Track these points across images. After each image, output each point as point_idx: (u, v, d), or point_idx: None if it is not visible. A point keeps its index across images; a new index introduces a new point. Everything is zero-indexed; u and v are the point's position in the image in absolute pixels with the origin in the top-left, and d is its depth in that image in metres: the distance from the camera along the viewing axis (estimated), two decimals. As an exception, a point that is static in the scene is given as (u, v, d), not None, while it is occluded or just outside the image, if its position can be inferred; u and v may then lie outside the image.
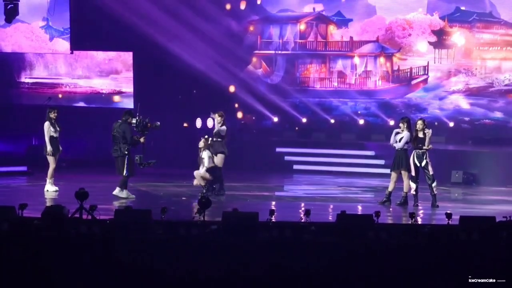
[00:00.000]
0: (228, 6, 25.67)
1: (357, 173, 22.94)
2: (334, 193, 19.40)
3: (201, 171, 16.91)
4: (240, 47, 25.73)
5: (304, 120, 25.83)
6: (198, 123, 25.03)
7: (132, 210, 12.17)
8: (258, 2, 26.23)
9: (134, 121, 16.42)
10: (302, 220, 11.86)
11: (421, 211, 15.71)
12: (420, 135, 16.25)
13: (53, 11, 25.02)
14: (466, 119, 24.92)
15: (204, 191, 16.67)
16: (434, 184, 16.16)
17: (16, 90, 25.62)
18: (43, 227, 10.81)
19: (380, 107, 25.53)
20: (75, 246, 10.53)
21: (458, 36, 24.90)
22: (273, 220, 11.58)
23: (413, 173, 16.24)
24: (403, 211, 15.52)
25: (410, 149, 16.39)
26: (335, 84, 26.05)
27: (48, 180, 17.24)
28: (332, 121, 25.77)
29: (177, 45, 23.87)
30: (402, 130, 16.46)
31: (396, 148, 16.44)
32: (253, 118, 25.91)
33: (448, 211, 11.89)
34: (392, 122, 24.17)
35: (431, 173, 16.16)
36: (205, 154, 16.93)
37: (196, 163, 17.13)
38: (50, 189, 17.18)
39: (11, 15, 21.03)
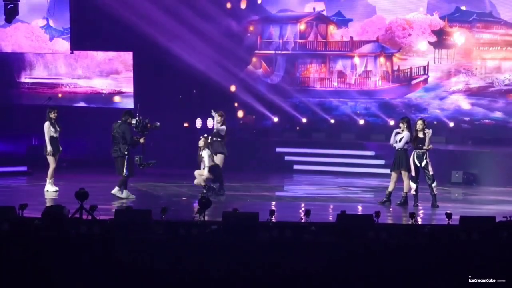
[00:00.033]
0: (228, 5, 25.65)
1: (357, 173, 22.92)
2: (334, 193, 19.39)
3: (203, 171, 16.88)
4: (240, 47, 25.72)
5: (304, 120, 25.82)
6: (198, 123, 25.03)
7: (132, 210, 12.18)
8: (259, 2, 26.22)
9: (134, 121, 16.40)
10: (302, 220, 11.86)
11: (421, 211, 15.70)
12: (420, 135, 16.24)
13: (53, 11, 25.00)
14: (466, 119, 24.92)
15: (204, 191, 16.65)
16: (434, 184, 16.15)
17: (16, 90, 25.59)
18: (43, 227, 10.81)
19: (380, 107, 25.54)
20: (75, 246, 10.53)
21: (458, 36, 24.90)
22: (273, 220, 11.56)
23: (413, 173, 16.22)
24: (403, 211, 15.51)
25: (410, 149, 16.37)
26: (335, 84, 26.04)
27: (48, 180, 17.22)
28: (332, 121, 25.77)
29: (177, 45, 23.86)
30: (402, 130, 16.44)
31: (396, 148, 16.43)
32: (253, 117, 25.91)
33: (448, 211, 11.88)
34: (392, 122, 24.17)
35: (431, 173, 16.15)
36: (205, 153, 16.84)
37: (196, 163, 17.11)
38: (50, 189, 17.16)
39: (11, 15, 20.96)
